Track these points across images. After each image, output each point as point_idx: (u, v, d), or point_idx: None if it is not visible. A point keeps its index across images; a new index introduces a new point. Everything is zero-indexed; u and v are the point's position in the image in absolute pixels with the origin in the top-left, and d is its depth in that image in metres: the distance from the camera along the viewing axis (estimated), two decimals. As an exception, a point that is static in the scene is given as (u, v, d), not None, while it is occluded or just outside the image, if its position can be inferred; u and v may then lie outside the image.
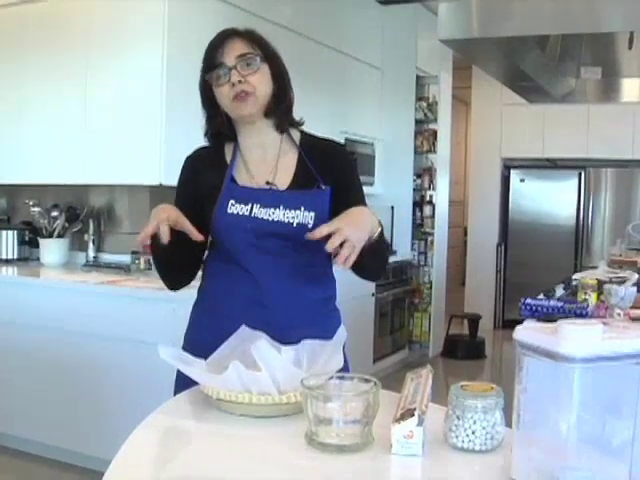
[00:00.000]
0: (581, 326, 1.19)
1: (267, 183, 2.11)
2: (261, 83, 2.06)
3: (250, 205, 2.06)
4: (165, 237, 1.88)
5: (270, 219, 2.04)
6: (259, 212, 2.05)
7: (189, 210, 2.11)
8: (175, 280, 2.21)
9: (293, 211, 2.05)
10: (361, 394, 1.47)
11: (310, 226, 2.03)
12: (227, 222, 2.05)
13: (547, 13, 4.16)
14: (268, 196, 2.08)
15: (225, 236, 2.08)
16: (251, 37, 2.09)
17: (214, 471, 1.41)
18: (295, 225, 2.04)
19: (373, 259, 1.98)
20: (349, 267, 1.83)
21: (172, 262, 2.10)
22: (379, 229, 1.93)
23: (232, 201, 2.06)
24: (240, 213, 2.05)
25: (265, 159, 2.15)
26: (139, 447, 1.53)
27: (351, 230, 1.81)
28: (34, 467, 4.27)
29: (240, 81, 2.02)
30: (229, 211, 2.05)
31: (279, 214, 2.04)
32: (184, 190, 2.21)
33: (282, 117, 2.15)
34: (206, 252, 2.22)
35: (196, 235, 1.96)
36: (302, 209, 2.05)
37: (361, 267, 1.95)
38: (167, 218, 1.90)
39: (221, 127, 2.14)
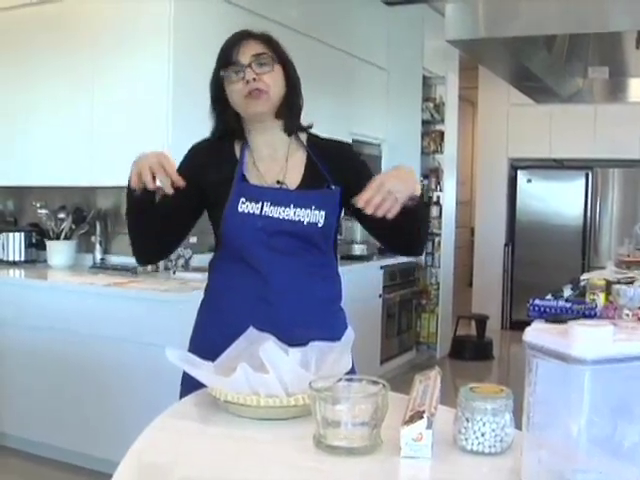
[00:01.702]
0: (592, 327, 1.18)
1: (278, 182, 2.11)
2: (274, 83, 2.08)
3: (261, 203, 2.06)
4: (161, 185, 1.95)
5: (281, 217, 2.05)
6: (270, 210, 2.05)
7: (188, 198, 2.10)
8: (145, 247, 2.24)
9: (303, 210, 2.06)
10: (370, 396, 1.46)
11: (320, 225, 2.06)
12: (238, 221, 2.06)
13: (554, 13, 4.15)
14: (279, 195, 2.08)
15: (235, 234, 2.08)
16: (266, 39, 2.11)
17: (221, 473, 1.40)
18: (306, 224, 2.05)
19: (414, 222, 2.02)
20: (391, 217, 1.85)
21: (148, 222, 2.09)
22: (420, 189, 1.96)
23: (242, 199, 2.06)
24: (251, 212, 2.05)
25: (275, 159, 2.16)
26: (146, 449, 1.52)
27: (393, 182, 1.85)
28: (44, 470, 4.27)
29: (254, 79, 2.04)
30: (240, 210, 2.06)
31: (289, 212, 2.05)
32: (187, 177, 2.07)
33: (291, 120, 2.17)
34: (212, 253, 2.23)
35: (177, 179, 1.96)
36: (312, 208, 2.06)
37: (401, 231, 2.00)
38: (157, 161, 1.96)
39: (230, 124, 2.15)
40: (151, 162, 1.95)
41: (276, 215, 2.05)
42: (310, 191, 2.11)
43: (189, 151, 2.24)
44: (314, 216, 2.06)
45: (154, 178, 1.94)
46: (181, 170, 2.17)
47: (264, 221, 2.05)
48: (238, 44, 2.07)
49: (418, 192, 1.94)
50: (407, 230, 2.04)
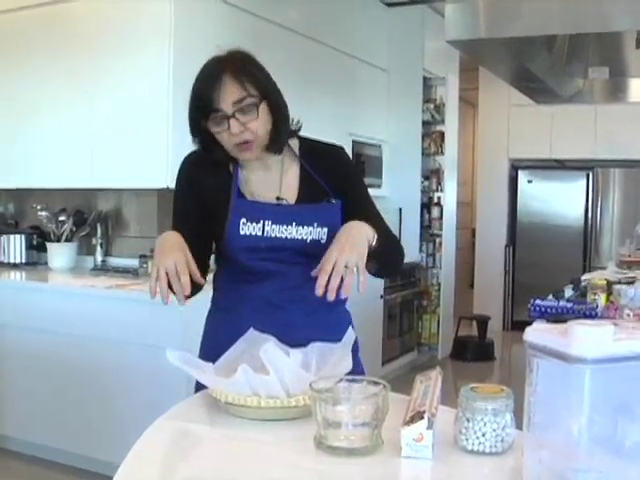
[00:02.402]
0: (592, 327, 1.18)
1: (277, 198, 2.08)
2: (261, 126, 1.98)
3: (262, 223, 2.02)
4: (182, 294, 1.82)
5: (283, 236, 2.02)
6: (271, 230, 2.02)
7: (195, 219, 2.09)
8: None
9: (306, 227, 2.03)
10: (370, 397, 1.46)
11: (323, 242, 2.02)
12: (240, 244, 2.03)
13: (554, 13, 4.14)
14: (278, 211, 2.05)
15: (238, 255, 2.05)
16: (242, 73, 1.97)
17: (222, 474, 1.40)
18: (309, 242, 2.03)
19: (385, 259, 1.99)
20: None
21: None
22: (375, 235, 1.89)
23: (243, 220, 2.02)
24: (253, 233, 2.02)
25: (269, 178, 2.11)
26: (147, 450, 1.52)
27: (347, 255, 1.78)
28: (46, 473, 4.26)
29: (242, 131, 1.95)
30: (242, 232, 2.02)
31: (292, 231, 2.03)
32: (189, 197, 2.14)
33: (281, 144, 2.10)
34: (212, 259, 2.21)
35: (198, 278, 1.88)
36: (315, 225, 2.03)
37: (378, 272, 2.00)
38: (174, 267, 1.81)
39: (218, 156, 2.07)
40: (168, 266, 1.81)
41: (278, 235, 2.02)
42: (310, 205, 2.07)
43: (181, 166, 2.19)
44: (317, 233, 2.03)
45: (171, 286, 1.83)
46: (182, 193, 2.17)
47: (267, 242, 2.02)
48: (216, 87, 1.94)
49: (373, 244, 1.87)
50: (382, 269, 2.03)
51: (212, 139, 2.03)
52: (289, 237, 2.02)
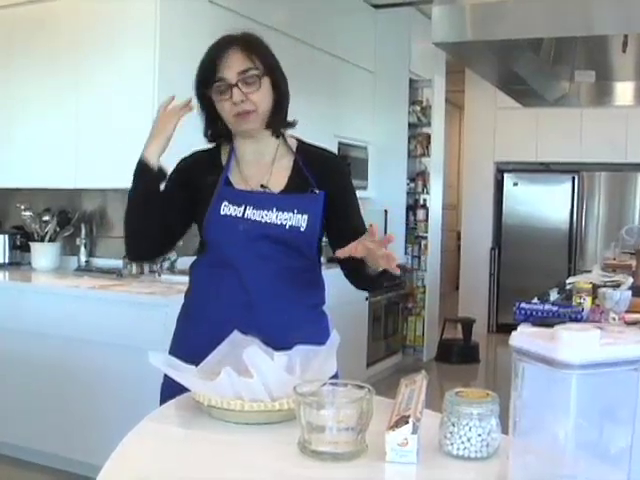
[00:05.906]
0: (578, 332, 1.17)
1: (262, 186, 2.11)
2: (263, 99, 2.06)
3: (243, 207, 2.06)
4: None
5: (263, 221, 2.05)
6: (252, 214, 2.05)
7: (177, 212, 2.15)
8: (138, 244, 2.25)
9: (286, 213, 2.05)
10: (355, 401, 1.45)
11: (303, 229, 2.05)
12: (219, 223, 2.06)
13: (541, 16, 4.14)
14: (261, 198, 2.08)
15: (217, 237, 2.08)
16: (250, 47, 2.07)
17: (204, 478, 1.39)
18: (288, 227, 2.05)
19: (371, 284, 2.18)
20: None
21: (145, 218, 2.16)
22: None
23: (225, 202, 2.07)
24: (233, 214, 2.06)
25: (260, 163, 2.15)
26: (128, 455, 1.50)
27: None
28: (29, 475, 4.23)
29: (242, 100, 2.03)
30: (222, 212, 2.06)
31: (272, 216, 2.05)
32: (177, 190, 2.17)
33: (280, 124, 2.16)
34: (193, 257, 2.22)
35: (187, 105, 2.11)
36: (295, 212, 2.06)
37: (356, 279, 2.14)
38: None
39: (220, 131, 2.15)
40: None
41: (258, 218, 2.05)
42: (293, 195, 2.10)
43: (178, 165, 2.24)
44: (297, 220, 2.05)
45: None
46: (172, 185, 2.20)
47: (246, 224, 2.04)
48: (222, 57, 2.04)
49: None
50: (361, 283, 2.16)
51: (216, 114, 2.11)
52: (268, 221, 2.05)
